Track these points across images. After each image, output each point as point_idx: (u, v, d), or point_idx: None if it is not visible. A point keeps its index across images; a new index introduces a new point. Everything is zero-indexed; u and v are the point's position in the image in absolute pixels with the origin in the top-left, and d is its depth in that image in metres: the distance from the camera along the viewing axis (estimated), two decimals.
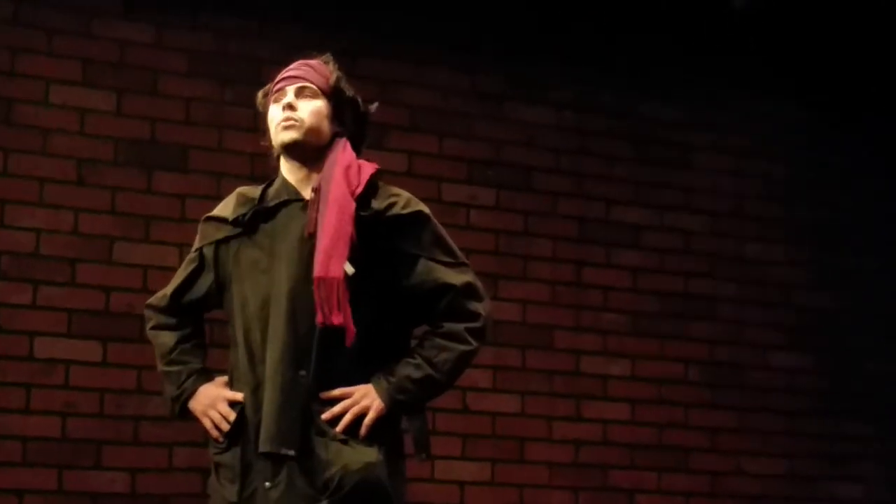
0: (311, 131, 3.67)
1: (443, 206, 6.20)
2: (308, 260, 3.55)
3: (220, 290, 3.75)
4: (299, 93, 3.70)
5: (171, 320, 3.82)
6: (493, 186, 6.40)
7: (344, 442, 3.54)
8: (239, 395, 3.63)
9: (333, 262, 3.51)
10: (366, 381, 3.60)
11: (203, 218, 3.83)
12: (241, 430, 3.61)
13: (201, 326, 3.86)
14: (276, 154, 3.76)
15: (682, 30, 6.80)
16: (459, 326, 3.67)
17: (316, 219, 3.57)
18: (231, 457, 3.62)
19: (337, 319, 3.48)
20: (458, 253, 3.76)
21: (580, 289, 6.49)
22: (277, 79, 3.76)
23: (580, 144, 6.63)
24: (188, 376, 3.74)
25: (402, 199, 3.72)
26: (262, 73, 5.81)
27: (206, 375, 3.75)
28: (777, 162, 7.03)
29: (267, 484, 3.52)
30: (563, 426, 6.36)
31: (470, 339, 3.67)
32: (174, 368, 3.77)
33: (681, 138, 6.84)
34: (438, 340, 3.66)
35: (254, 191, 3.76)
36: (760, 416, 6.77)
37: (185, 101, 5.92)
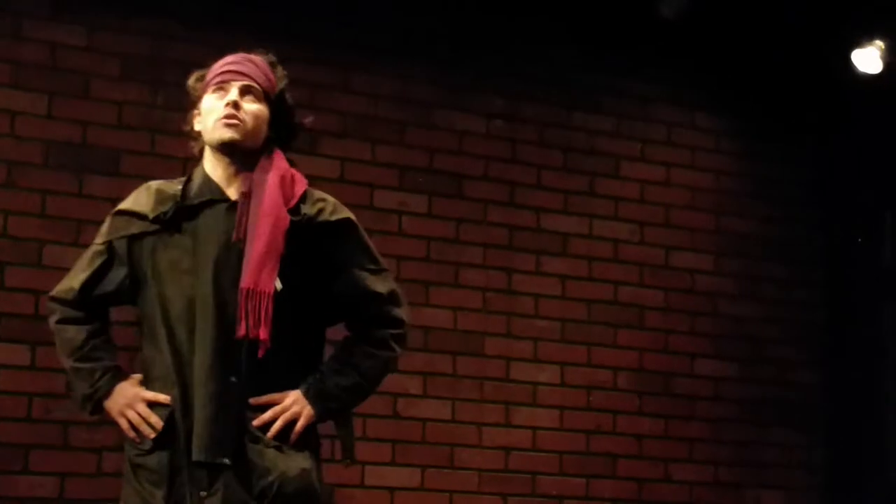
0: (251, 134, 3.64)
1: (374, 213, 6.22)
2: (235, 266, 3.53)
3: (133, 287, 3.66)
4: (244, 92, 3.64)
5: (79, 314, 3.68)
6: (425, 193, 6.42)
7: (278, 449, 3.55)
8: (162, 397, 3.56)
9: (264, 275, 3.51)
10: (293, 386, 3.61)
11: (113, 211, 3.72)
12: (168, 434, 3.55)
13: (108, 322, 3.75)
14: (200, 146, 3.71)
15: (610, 41, 6.86)
16: (385, 333, 3.73)
17: (246, 225, 3.55)
18: (156, 460, 3.55)
19: (263, 334, 3.49)
20: (381, 259, 3.80)
21: (510, 296, 6.53)
22: (220, 68, 3.68)
23: (510, 153, 6.66)
24: (103, 374, 3.64)
25: (330, 205, 3.73)
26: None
27: (122, 374, 3.66)
28: (704, 172, 7.10)
29: (202, 493, 3.49)
30: (493, 432, 6.39)
31: (394, 345, 3.74)
32: (86, 365, 3.65)
33: (610, 148, 6.89)
34: (366, 347, 3.71)
35: (170, 186, 3.68)
36: (687, 424, 6.83)
37: (117, 104, 5.89)
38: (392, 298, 3.75)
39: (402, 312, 3.77)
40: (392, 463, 6.16)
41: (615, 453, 6.64)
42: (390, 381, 5.97)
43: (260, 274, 3.51)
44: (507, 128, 6.66)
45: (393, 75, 6.44)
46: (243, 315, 3.47)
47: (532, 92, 6.73)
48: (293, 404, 3.58)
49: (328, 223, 3.69)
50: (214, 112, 3.63)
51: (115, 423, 3.64)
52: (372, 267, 3.74)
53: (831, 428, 7.09)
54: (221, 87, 3.66)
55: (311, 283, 3.64)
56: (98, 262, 3.69)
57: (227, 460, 3.49)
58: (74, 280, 3.70)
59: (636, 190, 6.91)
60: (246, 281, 3.49)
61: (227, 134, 3.61)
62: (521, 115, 6.70)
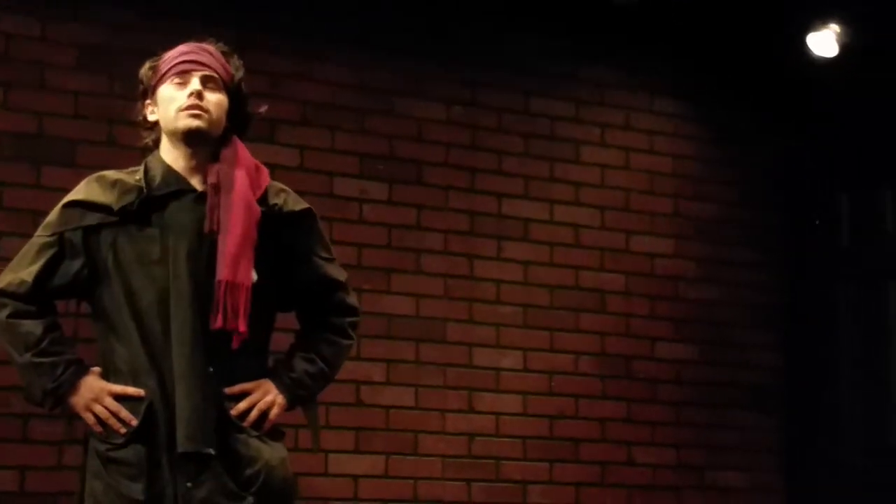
0: (215, 123, 3.63)
1: (335, 201, 6.22)
2: (208, 257, 3.53)
3: (90, 280, 3.59)
4: (205, 81, 3.62)
5: (32, 308, 3.57)
6: (385, 181, 6.42)
7: (260, 438, 3.59)
8: (131, 390, 3.53)
9: (242, 267, 3.53)
10: (256, 375, 3.64)
11: (64, 202, 3.64)
12: (146, 426, 3.51)
13: (57, 315, 3.66)
14: (154, 137, 3.68)
15: (569, 26, 6.87)
16: (343, 321, 3.79)
17: (218, 216, 3.55)
18: (133, 453, 3.52)
19: (242, 326, 3.51)
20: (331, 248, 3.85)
21: (472, 282, 6.53)
22: (177, 58, 3.66)
23: (471, 139, 6.66)
24: (66, 368, 3.56)
25: (291, 196, 3.76)
26: None
27: (84, 367, 3.60)
28: (663, 156, 7.12)
29: (189, 484, 3.48)
30: (457, 419, 6.40)
31: (351, 333, 3.80)
32: (47, 360, 3.55)
33: (569, 133, 6.91)
34: (328, 335, 3.76)
35: (129, 177, 3.63)
36: (649, 407, 6.86)
37: (74, 94, 5.85)
38: (348, 286, 3.82)
39: (355, 300, 3.84)
40: (355, 451, 6.16)
41: (578, 438, 6.66)
42: (353, 369, 6.04)
43: (237, 266, 3.52)
44: (467, 114, 6.66)
45: (352, 63, 6.43)
46: (221, 307, 3.48)
47: (491, 78, 6.74)
48: (266, 393, 3.62)
49: (292, 213, 3.71)
50: (176, 101, 3.61)
51: (74, 418, 3.60)
52: (327, 256, 3.79)
53: (792, 410, 7.13)
54: (181, 76, 3.63)
55: (276, 273, 3.66)
56: (48, 253, 3.60)
57: (212, 451, 3.49)
58: (24, 273, 3.60)
59: (596, 175, 6.92)
60: (224, 273, 3.50)
61: (194, 123, 3.59)
62: (480, 102, 6.70)
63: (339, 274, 3.80)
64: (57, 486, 5.52)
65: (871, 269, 6.91)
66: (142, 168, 3.66)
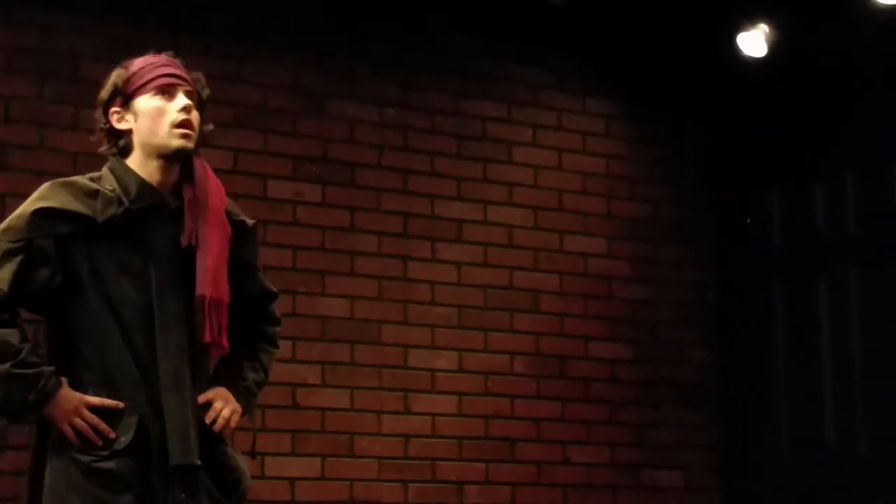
0: (197, 142, 3.63)
1: (269, 203, 6.22)
2: (186, 272, 3.54)
3: (62, 290, 3.52)
4: (188, 98, 3.62)
5: (6, 315, 3.48)
6: (319, 183, 6.41)
7: (230, 446, 3.66)
8: (109, 402, 3.48)
9: (221, 283, 3.58)
10: (211, 383, 3.68)
11: (33, 209, 3.53)
12: (137, 439, 3.48)
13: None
14: (122, 145, 3.62)
15: (500, 29, 6.89)
16: (275, 330, 3.89)
17: (196, 231, 3.55)
18: (123, 466, 3.47)
19: (225, 342, 3.59)
20: None
21: (406, 283, 6.54)
22: (158, 70, 3.62)
23: (403, 141, 6.67)
24: (48, 379, 3.46)
25: (238, 208, 3.80)
26: (82, 69, 5.79)
27: (60, 378, 3.51)
28: (595, 157, 7.16)
29: (183, 495, 3.47)
30: (392, 420, 6.40)
31: (278, 342, 3.89)
32: (28, 371, 3.45)
33: (502, 134, 6.93)
34: (264, 344, 3.84)
35: (103, 186, 3.56)
36: (583, 406, 6.89)
37: (4, 98, 5.80)
38: (277, 298, 3.92)
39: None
40: (292, 453, 6.15)
41: (514, 437, 6.68)
42: (288, 372, 6.04)
43: (218, 281, 3.56)
44: (400, 116, 6.67)
45: (284, 66, 6.42)
46: (209, 323, 3.52)
47: (423, 80, 6.75)
48: (227, 402, 3.66)
49: (245, 226, 3.77)
50: (167, 116, 3.58)
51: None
52: (261, 267, 3.87)
53: (726, 408, 7.19)
54: (166, 90, 3.60)
55: (233, 285, 3.69)
56: (17, 259, 3.48)
57: (199, 461, 3.51)
58: None
59: (529, 175, 6.95)
60: (206, 289, 3.53)
61: (188, 144, 3.59)
62: (413, 104, 6.71)
63: (272, 286, 3.89)
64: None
65: (801, 267, 6.97)
66: (109, 176, 3.61)
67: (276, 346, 3.88)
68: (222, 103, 6.10)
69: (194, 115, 3.61)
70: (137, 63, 3.66)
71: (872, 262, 6.59)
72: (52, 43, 5.88)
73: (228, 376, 3.71)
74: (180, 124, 3.57)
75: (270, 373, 3.85)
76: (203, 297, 3.53)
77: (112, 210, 3.54)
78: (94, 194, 3.56)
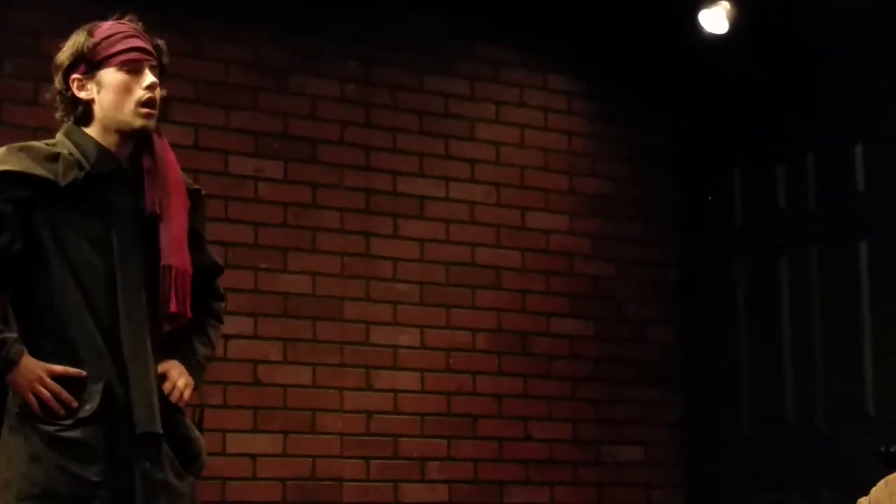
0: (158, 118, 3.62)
1: (230, 179, 6.20)
2: (145, 241, 3.52)
3: (23, 255, 3.46)
4: (153, 73, 3.58)
5: None
6: (281, 159, 6.39)
7: (185, 417, 3.66)
8: (72, 370, 3.44)
9: (185, 254, 3.57)
10: (163, 357, 3.64)
11: None
12: (103, 408, 3.45)
13: None
14: (82, 113, 3.56)
15: (463, 4, 6.88)
16: (221, 306, 3.89)
17: (159, 200, 3.53)
18: (90, 434, 3.44)
19: (189, 313, 3.59)
20: None
21: (369, 260, 6.53)
22: (125, 42, 3.56)
23: (365, 117, 6.65)
24: (11, 346, 3.42)
25: (188, 177, 3.78)
26: (41, 44, 5.73)
27: (22, 346, 3.46)
28: (557, 133, 7.16)
29: (148, 464, 3.46)
30: (354, 397, 6.40)
31: (223, 317, 3.89)
32: None
33: (464, 111, 6.92)
34: (211, 320, 3.83)
35: (62, 150, 3.52)
36: (545, 383, 6.91)
37: None
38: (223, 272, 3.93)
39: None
40: (253, 430, 6.14)
41: (475, 414, 6.69)
42: (250, 348, 6.03)
43: (182, 251, 3.55)
44: (362, 92, 6.65)
45: (245, 41, 6.39)
46: (174, 293, 3.51)
47: (385, 56, 6.73)
48: (181, 374, 3.65)
49: (199, 195, 3.75)
50: (131, 94, 3.54)
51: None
52: (207, 239, 3.84)
53: (687, 385, 7.22)
54: (132, 65, 3.55)
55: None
56: None
57: (161, 430, 3.51)
58: None
59: (491, 152, 6.95)
60: (172, 259, 3.52)
61: (147, 123, 3.56)
62: (375, 80, 6.69)
63: (219, 259, 3.90)
64: None
65: (764, 245, 6.99)
66: (66, 142, 3.56)
67: (221, 321, 3.87)
68: (183, 79, 6.10)
69: (158, 93, 3.59)
70: (104, 30, 3.59)
71: (832, 240, 6.61)
72: (11, 18, 5.83)
73: (180, 350, 3.70)
74: (146, 103, 3.54)
75: (216, 347, 3.86)
76: (170, 267, 3.51)
77: (74, 173, 3.50)
78: (54, 157, 3.51)
